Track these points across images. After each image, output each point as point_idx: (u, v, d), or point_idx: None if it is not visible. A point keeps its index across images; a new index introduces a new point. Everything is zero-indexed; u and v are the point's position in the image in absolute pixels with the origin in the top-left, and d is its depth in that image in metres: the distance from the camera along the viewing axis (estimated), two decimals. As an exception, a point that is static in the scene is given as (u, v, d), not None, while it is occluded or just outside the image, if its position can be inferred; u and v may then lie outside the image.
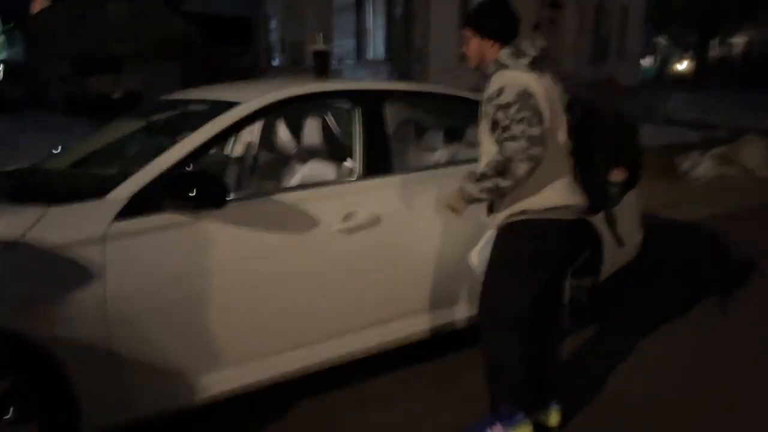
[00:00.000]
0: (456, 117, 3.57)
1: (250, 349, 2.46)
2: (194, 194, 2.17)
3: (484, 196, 2.26)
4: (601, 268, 3.57)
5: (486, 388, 2.46)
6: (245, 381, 2.46)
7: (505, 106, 2.15)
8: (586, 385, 2.94)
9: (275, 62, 19.56)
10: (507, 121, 2.14)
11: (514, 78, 2.21)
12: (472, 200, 2.28)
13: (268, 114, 2.63)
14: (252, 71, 20.82)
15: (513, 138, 2.11)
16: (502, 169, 2.15)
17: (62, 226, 2.09)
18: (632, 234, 3.89)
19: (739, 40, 31.53)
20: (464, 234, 2.75)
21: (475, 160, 2.48)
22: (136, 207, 2.21)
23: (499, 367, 2.39)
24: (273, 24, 19.48)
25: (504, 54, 2.29)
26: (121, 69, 21.93)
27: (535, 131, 2.11)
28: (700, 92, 23.82)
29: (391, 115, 3.03)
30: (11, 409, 1.99)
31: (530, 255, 2.32)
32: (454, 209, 2.35)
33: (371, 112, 2.89)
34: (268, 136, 3.44)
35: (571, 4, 17.15)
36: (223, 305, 2.35)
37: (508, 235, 2.34)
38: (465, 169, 2.98)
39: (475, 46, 2.37)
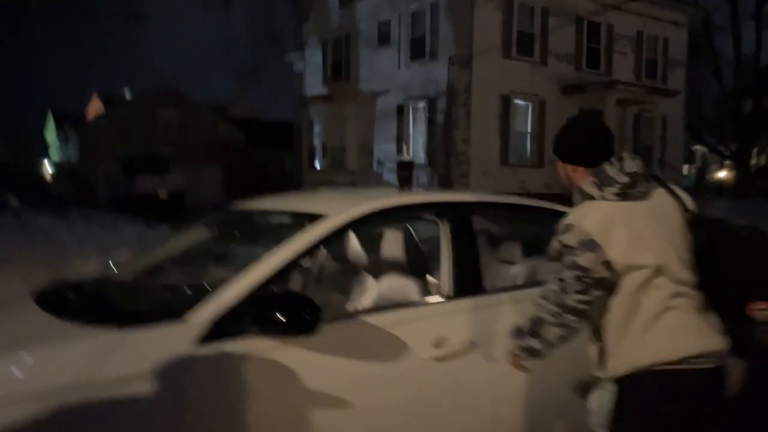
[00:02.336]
0: (538, 228, 3.37)
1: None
2: (284, 319, 1.96)
3: (521, 354, 2.06)
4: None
5: None
6: None
7: (564, 248, 1.92)
8: None
9: (317, 166, 19.98)
10: (556, 267, 1.95)
11: (588, 218, 1.92)
12: (517, 358, 2.09)
13: (354, 227, 2.46)
14: (294, 175, 21.29)
15: (547, 297, 1.95)
16: (533, 329, 2.00)
17: (139, 353, 1.88)
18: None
19: (780, 149, 31.37)
20: (565, 361, 2.46)
21: None
22: (219, 330, 2.00)
23: None
24: (316, 129, 20.10)
25: (588, 183, 2.00)
26: (167, 170, 22.70)
27: (570, 300, 1.89)
28: (742, 200, 23.42)
29: (478, 230, 2.84)
30: None
31: (662, 417, 1.88)
32: (517, 367, 2.14)
33: (460, 225, 2.70)
34: (336, 248, 3.26)
35: (610, 113, 17.35)
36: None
37: (631, 391, 1.92)
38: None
39: (563, 170, 2.14)
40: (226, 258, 2.69)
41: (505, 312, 2.61)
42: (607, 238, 1.87)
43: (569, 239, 1.90)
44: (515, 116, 17.17)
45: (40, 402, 1.72)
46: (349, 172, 18.99)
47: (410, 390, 2.31)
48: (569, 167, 2.08)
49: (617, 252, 1.86)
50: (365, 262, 3.24)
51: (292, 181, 21.23)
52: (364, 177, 18.50)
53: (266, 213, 2.93)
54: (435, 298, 2.64)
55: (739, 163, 27.44)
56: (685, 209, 2.02)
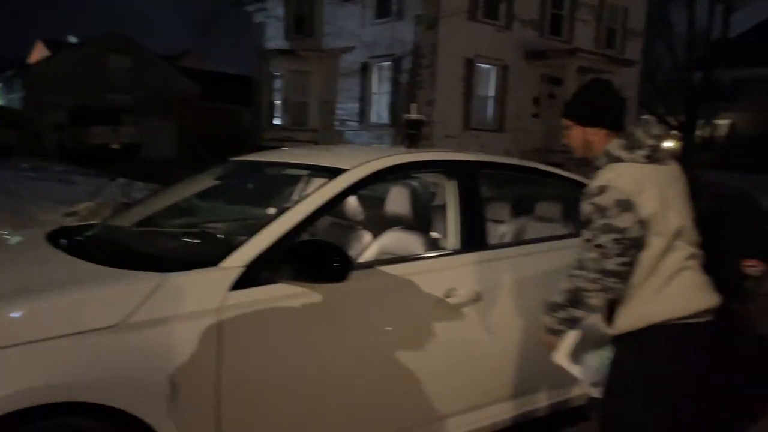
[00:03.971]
0: (536, 190, 3.52)
1: (363, 428, 2.28)
2: (317, 266, 2.04)
3: (563, 327, 2.11)
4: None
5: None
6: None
7: (600, 210, 1.94)
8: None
9: (278, 122, 19.67)
10: (590, 233, 1.97)
11: (622, 178, 1.96)
12: (555, 332, 2.13)
13: (373, 181, 2.54)
14: (253, 130, 20.92)
15: (585, 267, 1.96)
16: (574, 299, 2.01)
17: (180, 297, 1.93)
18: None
19: (724, 122, 32.65)
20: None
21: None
22: (252, 276, 2.06)
23: None
24: (276, 84, 19.71)
25: (616, 145, 2.03)
26: (120, 121, 21.92)
27: (611, 264, 1.92)
28: (686, 170, 24.34)
29: (484, 188, 2.95)
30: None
31: (669, 369, 2.02)
32: (548, 345, 2.20)
33: (468, 183, 2.81)
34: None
35: (570, 80, 17.65)
36: (339, 383, 2.20)
37: (639, 346, 2.03)
38: (560, 244, 2.93)
39: (579, 135, 2.14)
40: (244, 207, 2.72)
41: (505, 266, 2.76)
42: (641, 197, 1.93)
43: (604, 200, 1.93)
44: (479, 80, 17.29)
45: (88, 339, 1.77)
46: (310, 130, 18.81)
47: (423, 334, 2.43)
48: (590, 131, 2.10)
49: (651, 211, 1.94)
50: (363, 218, 3.34)
51: (250, 137, 20.88)
52: (326, 136, 18.38)
53: (277, 165, 2.96)
54: (444, 252, 2.75)
55: (686, 135, 28.43)
56: (690, 178, 2.15)
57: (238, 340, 1.98)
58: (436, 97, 16.21)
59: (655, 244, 1.98)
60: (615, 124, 2.09)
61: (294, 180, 2.63)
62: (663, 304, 1.99)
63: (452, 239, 2.75)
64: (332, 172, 2.48)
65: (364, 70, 17.89)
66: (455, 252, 2.71)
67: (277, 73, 19.40)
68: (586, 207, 2.00)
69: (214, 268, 2.05)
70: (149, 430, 1.85)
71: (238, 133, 24.45)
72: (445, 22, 15.95)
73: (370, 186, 2.75)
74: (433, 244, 2.91)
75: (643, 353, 2.03)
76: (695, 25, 27.36)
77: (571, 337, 2.27)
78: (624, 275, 1.96)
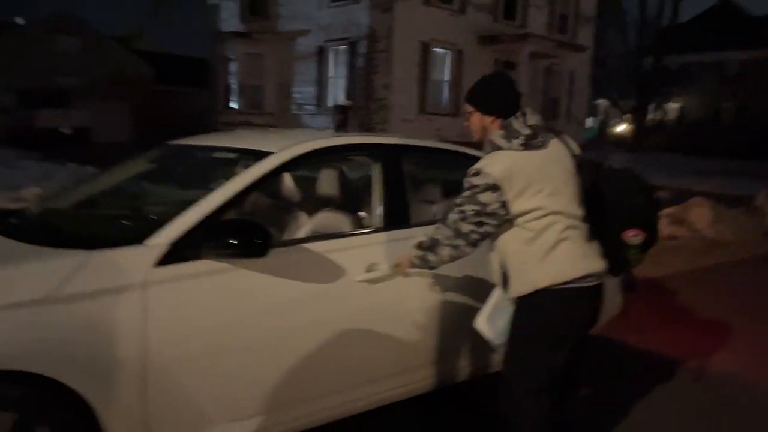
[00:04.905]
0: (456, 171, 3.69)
1: (278, 399, 2.44)
2: (238, 242, 2.18)
3: (417, 262, 2.45)
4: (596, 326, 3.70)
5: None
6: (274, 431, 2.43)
7: (470, 188, 2.26)
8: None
9: (233, 105, 19.51)
10: (459, 200, 2.30)
11: (496, 165, 2.24)
12: (411, 265, 2.48)
13: (299, 164, 2.68)
14: (209, 114, 20.69)
15: (446, 224, 2.33)
16: (431, 246, 2.38)
17: (105, 272, 2.05)
18: (615, 291, 4.06)
19: (674, 106, 33.67)
20: (480, 288, 2.84)
21: None
22: (176, 253, 2.19)
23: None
24: (232, 67, 19.52)
25: (497, 135, 2.30)
26: (69, 104, 21.42)
27: (465, 228, 2.27)
28: (639, 153, 25.16)
29: (407, 169, 3.12)
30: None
31: (554, 327, 2.31)
32: (398, 266, 2.56)
33: (392, 165, 2.98)
34: (271, 186, 3.46)
35: (523, 65, 18.00)
36: (255, 354, 2.34)
37: (529, 308, 2.32)
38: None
39: (478, 121, 2.40)
40: (173, 189, 2.83)
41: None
42: (508, 182, 2.22)
43: (476, 181, 2.25)
44: (434, 64, 17.48)
45: (15, 311, 1.88)
46: (267, 113, 18.73)
47: (346, 307, 2.61)
48: (487, 119, 2.37)
49: (516, 195, 2.23)
50: (298, 199, 3.48)
51: (206, 121, 20.65)
52: (283, 119, 18.34)
53: (208, 149, 3.07)
54: (367, 230, 2.92)
55: (637, 118, 29.24)
56: (573, 155, 2.43)
57: (162, 313, 2.11)
58: (392, 82, 16.34)
59: (527, 221, 2.27)
60: (509, 115, 2.34)
61: (224, 163, 2.75)
62: (546, 271, 2.27)
63: (376, 218, 2.92)
64: (258, 156, 2.62)
65: (321, 53, 17.89)
66: (378, 230, 2.88)
67: (232, 56, 19.21)
68: (464, 182, 2.31)
69: (139, 245, 2.17)
70: (80, 399, 1.97)
71: (193, 117, 24.13)
72: (401, 6, 16.05)
73: (297, 169, 2.90)
74: (360, 223, 3.08)
75: (532, 314, 2.32)
76: (646, 11, 28.05)
77: (490, 304, 2.56)
78: (472, 241, 2.31)
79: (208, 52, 21.32)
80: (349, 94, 17.06)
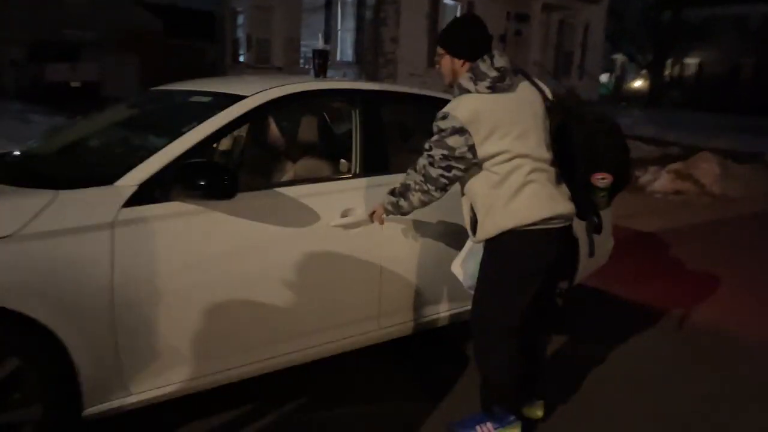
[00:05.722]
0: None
1: (249, 339, 2.49)
2: (205, 184, 2.20)
3: (390, 209, 2.49)
4: (576, 274, 3.71)
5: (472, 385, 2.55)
6: (242, 370, 2.49)
7: (438, 132, 2.25)
8: (562, 383, 3.08)
9: (241, 59, 19.35)
10: (428, 145, 2.30)
11: (462, 109, 2.22)
12: (385, 212, 2.52)
13: (273, 108, 2.67)
14: (216, 67, 20.55)
15: (416, 169, 2.35)
16: (403, 191, 2.42)
17: (72, 211, 2.09)
18: (604, 241, 4.05)
19: (692, 61, 32.84)
20: (456, 234, 2.85)
21: None
22: (145, 194, 2.22)
23: (492, 374, 2.45)
24: (240, 20, 19.28)
25: (465, 78, 2.28)
26: (79, 57, 21.26)
27: (434, 173, 2.28)
28: (655, 109, 24.71)
29: (386, 116, 3.10)
30: (17, 391, 1.99)
31: (520, 268, 2.33)
32: (373, 214, 2.58)
33: (370, 112, 2.96)
34: (256, 132, 3.47)
35: (536, 18, 17.58)
36: (225, 295, 2.38)
37: (496, 250, 2.34)
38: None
39: (447, 63, 2.37)
40: (147, 133, 2.84)
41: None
42: (475, 126, 2.21)
43: (444, 124, 2.24)
44: (444, 17, 17.13)
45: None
46: (275, 67, 18.56)
47: (318, 251, 2.63)
48: (457, 62, 2.34)
49: (483, 138, 2.22)
50: (283, 146, 3.48)
51: (215, 74, 20.52)
52: (291, 73, 18.18)
53: (189, 93, 3.07)
54: (345, 176, 2.93)
55: (654, 73, 28.60)
56: (545, 99, 2.39)
57: (129, 252, 2.14)
58: (400, 35, 16.08)
59: (493, 164, 2.26)
60: (478, 58, 2.29)
61: (200, 107, 2.74)
62: (511, 213, 2.27)
63: (354, 164, 2.92)
64: (232, 99, 2.61)
65: (329, 6, 17.59)
66: (356, 176, 2.89)
67: (240, 9, 18.95)
68: (433, 126, 2.30)
69: (108, 186, 2.20)
70: (51, 334, 2.03)
71: (202, 71, 23.94)
72: (410, -44, 15.67)
73: (272, 114, 2.88)
74: (339, 170, 3.08)
75: (499, 256, 2.35)
76: (666, -39, 27.11)
77: (465, 248, 2.59)
78: (441, 186, 2.32)
79: (216, 5, 21.04)
80: (357, 48, 16.84)
